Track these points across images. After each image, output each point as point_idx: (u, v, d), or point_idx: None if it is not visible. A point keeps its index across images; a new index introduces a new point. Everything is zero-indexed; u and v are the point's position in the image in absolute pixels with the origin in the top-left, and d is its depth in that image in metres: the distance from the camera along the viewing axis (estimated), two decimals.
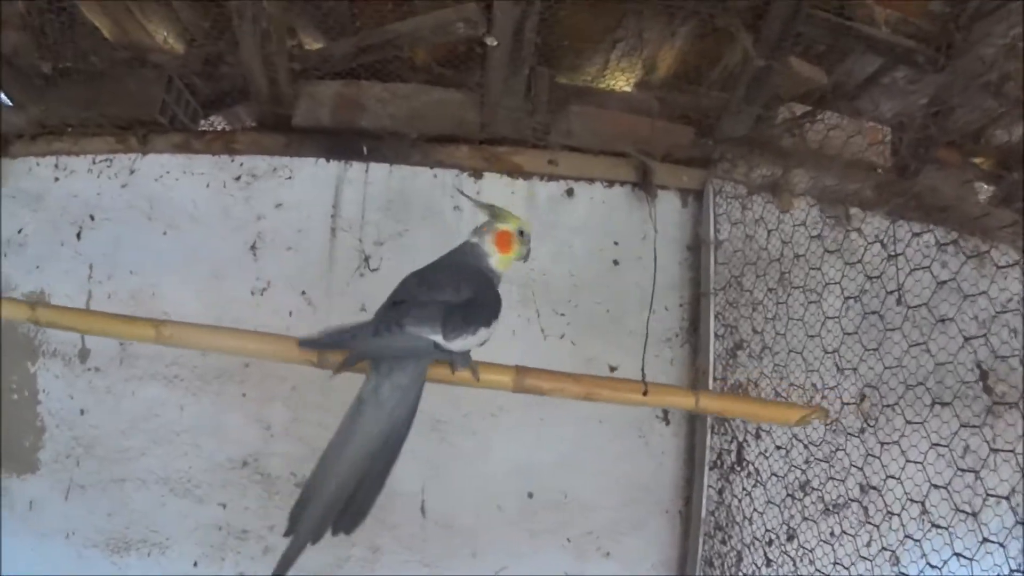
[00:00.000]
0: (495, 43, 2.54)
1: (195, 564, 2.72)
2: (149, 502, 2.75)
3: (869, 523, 2.41)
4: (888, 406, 2.37)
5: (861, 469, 2.42)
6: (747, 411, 1.92)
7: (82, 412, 2.80)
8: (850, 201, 2.85)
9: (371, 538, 2.70)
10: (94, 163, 2.93)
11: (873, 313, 2.42)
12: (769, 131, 2.84)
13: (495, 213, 1.77)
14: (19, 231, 2.95)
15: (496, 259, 1.71)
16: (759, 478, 2.73)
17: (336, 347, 1.54)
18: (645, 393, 1.70)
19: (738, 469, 2.77)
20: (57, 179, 2.96)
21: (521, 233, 1.74)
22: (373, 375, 1.53)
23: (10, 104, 3.08)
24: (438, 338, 1.51)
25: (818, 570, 2.50)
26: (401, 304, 1.58)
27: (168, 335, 1.75)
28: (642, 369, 1.81)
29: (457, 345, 1.55)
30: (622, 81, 2.99)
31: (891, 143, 3.00)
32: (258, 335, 1.75)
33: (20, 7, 2.63)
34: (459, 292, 1.60)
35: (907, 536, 2.19)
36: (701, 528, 2.78)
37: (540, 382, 1.69)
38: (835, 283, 2.53)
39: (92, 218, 2.89)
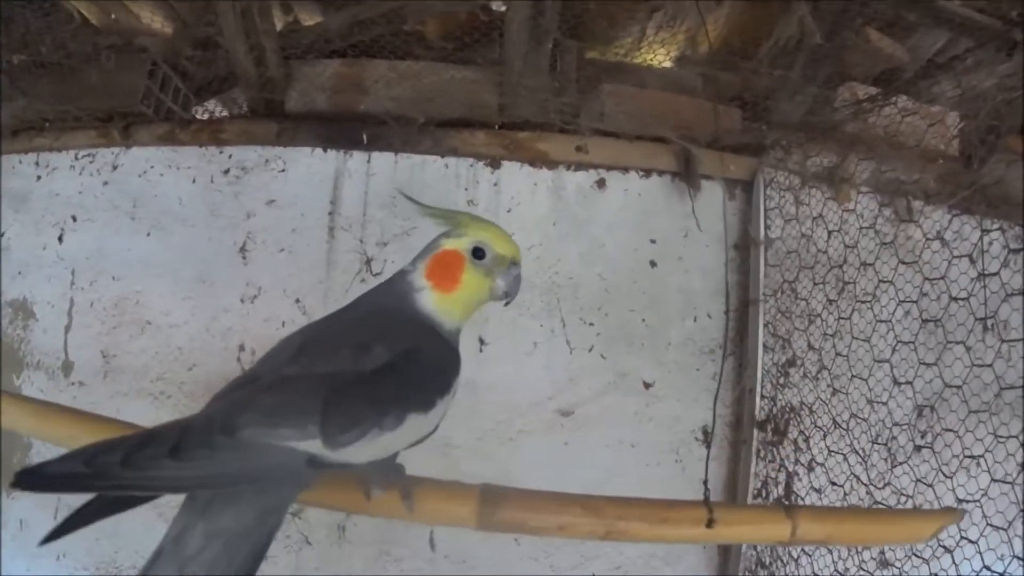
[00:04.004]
0: (503, 7, 1.96)
1: None
2: (137, 527, 2.27)
3: None
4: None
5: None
6: (868, 534, 1.14)
7: None
8: (913, 193, 2.23)
9: (375, 572, 2.21)
10: (76, 159, 2.43)
11: (959, 343, 1.83)
12: (830, 115, 2.22)
13: (449, 219, 1.05)
14: (2, 234, 2.49)
15: (429, 298, 0.99)
16: None
17: (93, 487, 0.83)
18: (710, 524, 0.99)
19: (786, 503, 2.22)
20: (39, 177, 2.47)
21: (479, 253, 1.00)
22: (183, 509, 0.85)
23: None
24: (313, 445, 0.81)
25: None
26: (246, 386, 0.87)
27: None
28: (704, 485, 1.16)
29: (358, 453, 0.84)
30: (661, 55, 2.36)
31: (960, 131, 2.36)
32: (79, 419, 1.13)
33: None
34: (364, 353, 0.89)
35: None
36: (741, 563, 2.25)
37: (524, 513, 0.99)
38: (911, 301, 1.94)
39: (74, 219, 2.39)
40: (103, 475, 0.78)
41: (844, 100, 2.20)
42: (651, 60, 2.38)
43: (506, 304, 1.08)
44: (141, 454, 0.78)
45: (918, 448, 2.00)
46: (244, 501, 0.83)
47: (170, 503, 2.13)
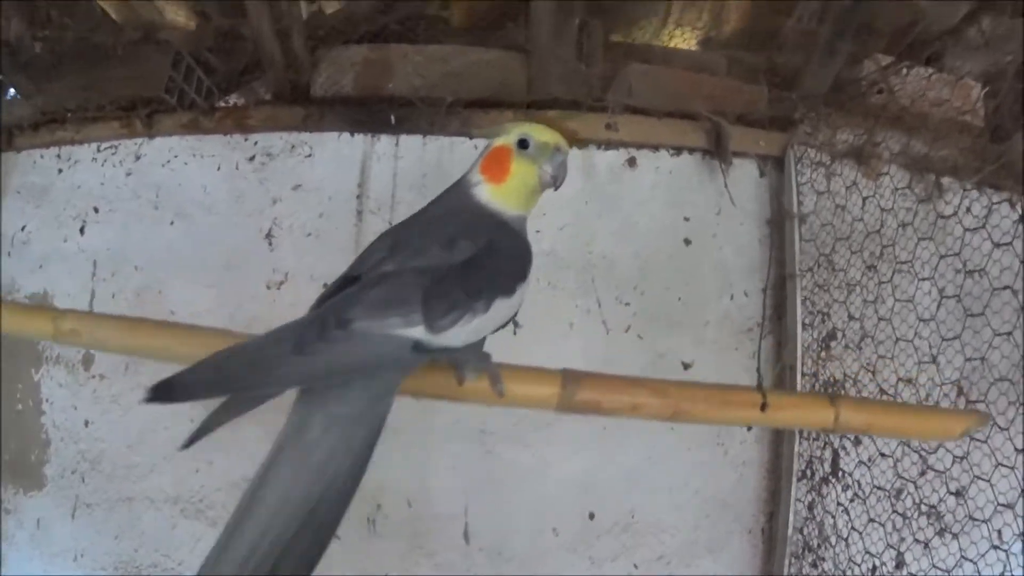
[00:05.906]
0: None
1: None
2: (159, 523, 2.20)
3: (999, 548, 1.75)
4: None
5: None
6: (900, 426, 1.17)
7: (87, 424, 2.26)
8: (941, 170, 2.21)
9: (407, 567, 2.11)
10: (99, 151, 2.38)
11: (1005, 288, 1.79)
12: (854, 87, 2.21)
13: (500, 130, 1.13)
14: (22, 228, 2.44)
15: (485, 191, 1.06)
16: (859, 491, 2.09)
17: (224, 390, 0.85)
18: (763, 407, 1.05)
19: (832, 481, 2.14)
20: (61, 170, 2.43)
21: (523, 144, 1.06)
22: (299, 404, 0.89)
23: (17, 96, 2.61)
24: (417, 332, 0.87)
25: None
26: (351, 283, 0.94)
27: (68, 330, 1.10)
28: (758, 371, 1.18)
29: (455, 337, 0.90)
30: (686, 38, 2.37)
31: (984, 102, 2.35)
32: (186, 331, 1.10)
33: None
34: (452, 247, 0.96)
35: None
36: (787, 548, 2.16)
37: (599, 395, 1.03)
38: (953, 254, 1.89)
39: (96, 210, 2.35)
40: (234, 379, 0.82)
41: (869, 72, 2.20)
42: (674, 43, 2.38)
43: (556, 189, 1.10)
44: (265, 355, 0.83)
45: (969, 403, 1.93)
46: (355, 388, 0.88)
47: (197, 506, 2.07)
